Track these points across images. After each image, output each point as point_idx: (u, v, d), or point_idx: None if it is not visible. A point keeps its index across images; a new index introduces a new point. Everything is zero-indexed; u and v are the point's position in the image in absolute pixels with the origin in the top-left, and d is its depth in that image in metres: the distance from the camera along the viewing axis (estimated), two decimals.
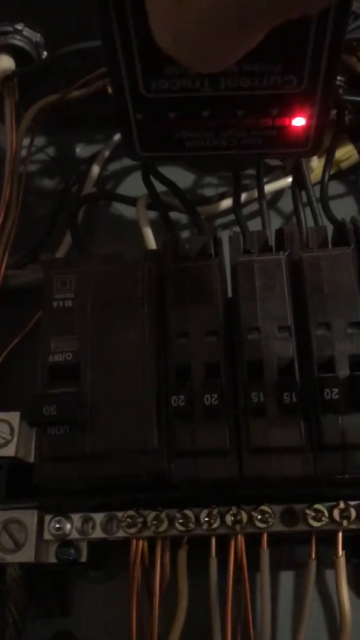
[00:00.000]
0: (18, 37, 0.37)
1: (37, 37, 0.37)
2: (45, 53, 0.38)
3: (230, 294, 0.27)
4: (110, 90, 0.36)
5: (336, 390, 0.23)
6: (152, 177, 0.33)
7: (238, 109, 0.23)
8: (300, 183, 0.32)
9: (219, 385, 0.24)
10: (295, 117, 0.24)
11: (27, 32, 0.37)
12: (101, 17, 0.20)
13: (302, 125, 0.24)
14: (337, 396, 0.23)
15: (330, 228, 0.29)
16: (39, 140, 0.41)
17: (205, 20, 0.15)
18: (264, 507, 0.25)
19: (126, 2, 0.19)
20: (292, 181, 0.33)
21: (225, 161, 0.32)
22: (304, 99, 0.23)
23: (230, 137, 0.25)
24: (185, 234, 0.37)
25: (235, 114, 0.24)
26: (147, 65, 0.22)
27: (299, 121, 0.24)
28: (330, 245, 0.28)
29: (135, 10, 0.19)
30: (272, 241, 0.29)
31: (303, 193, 0.33)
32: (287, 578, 0.30)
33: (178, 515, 0.26)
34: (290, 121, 0.24)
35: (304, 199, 0.33)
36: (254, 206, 0.37)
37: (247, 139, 0.25)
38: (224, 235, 0.29)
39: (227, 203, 0.36)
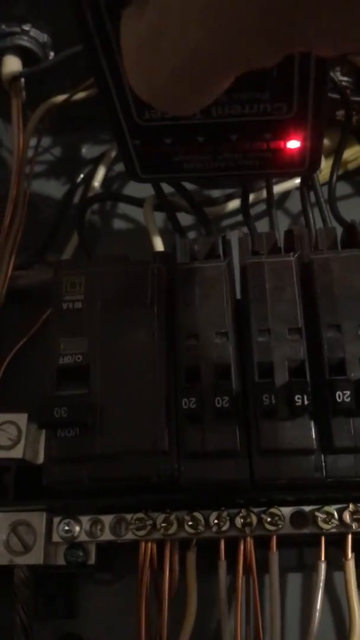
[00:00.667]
0: (25, 38, 0.37)
1: (44, 37, 0.37)
2: (52, 54, 0.38)
3: (238, 296, 0.27)
4: None
5: (348, 392, 0.22)
6: None
7: (232, 133, 0.24)
8: (308, 184, 0.32)
9: (229, 387, 0.24)
10: (289, 140, 0.24)
11: (34, 32, 0.37)
12: (90, 53, 0.21)
13: (297, 148, 0.24)
14: (348, 399, 0.22)
15: (338, 229, 0.29)
16: (46, 141, 0.41)
17: (170, 72, 0.16)
18: (274, 510, 0.25)
19: (112, 42, 0.20)
20: (300, 182, 0.33)
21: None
22: (295, 123, 0.23)
23: (227, 159, 0.25)
24: (191, 235, 0.37)
25: (229, 138, 0.24)
26: (139, 97, 0.22)
27: (293, 144, 0.24)
28: (339, 247, 0.28)
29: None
30: (280, 242, 0.29)
31: (311, 194, 0.33)
32: (295, 581, 0.29)
33: (187, 517, 0.26)
34: (285, 144, 0.24)
35: (312, 200, 0.33)
36: (261, 207, 0.37)
37: (243, 160, 0.25)
38: (232, 237, 0.29)
39: (233, 204, 0.36)
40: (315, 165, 0.26)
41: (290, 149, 0.24)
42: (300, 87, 0.22)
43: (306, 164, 0.26)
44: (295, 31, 0.14)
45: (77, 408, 0.24)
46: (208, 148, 0.25)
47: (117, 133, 0.24)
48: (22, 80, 0.36)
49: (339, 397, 0.22)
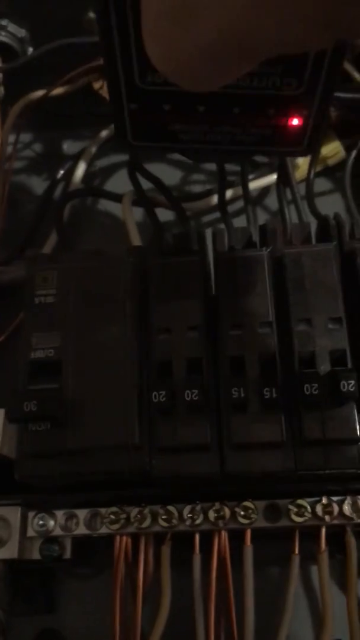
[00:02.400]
0: (3, 33, 0.36)
1: (22, 33, 0.37)
2: (30, 49, 0.38)
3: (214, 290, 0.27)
4: (95, 87, 0.36)
5: (316, 385, 0.23)
6: (138, 174, 0.33)
7: (235, 106, 0.23)
8: (284, 180, 0.32)
9: (199, 380, 0.24)
10: (292, 117, 0.23)
11: (12, 27, 0.37)
12: (99, 6, 0.20)
13: (299, 126, 0.24)
14: (317, 391, 0.23)
15: (315, 224, 0.29)
16: (26, 137, 0.41)
17: (202, 48, 0.15)
18: (247, 503, 0.25)
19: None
20: (277, 178, 0.33)
21: (219, 155, 0.31)
22: (302, 100, 0.22)
23: (225, 132, 0.24)
24: (175, 231, 0.37)
25: (231, 111, 0.23)
26: (144, 58, 0.20)
27: (295, 121, 0.24)
28: (314, 241, 0.28)
29: (135, 6, 0.18)
30: (257, 238, 0.29)
31: (288, 190, 0.33)
32: (272, 573, 0.30)
33: (161, 511, 0.26)
34: (287, 121, 0.23)
35: (291, 195, 0.33)
36: (240, 203, 0.37)
37: (242, 135, 0.24)
38: (210, 232, 0.29)
39: (214, 199, 0.36)
40: (314, 145, 0.25)
41: (292, 127, 0.24)
42: (315, 63, 0.21)
43: (305, 144, 0.25)
44: None
45: (47, 402, 0.24)
46: (208, 119, 0.24)
47: (113, 94, 0.23)
48: (0, 76, 0.36)
49: (308, 390, 0.23)
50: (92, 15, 0.35)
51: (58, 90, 0.36)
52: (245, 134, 0.24)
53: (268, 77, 0.21)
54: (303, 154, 0.26)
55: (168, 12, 0.15)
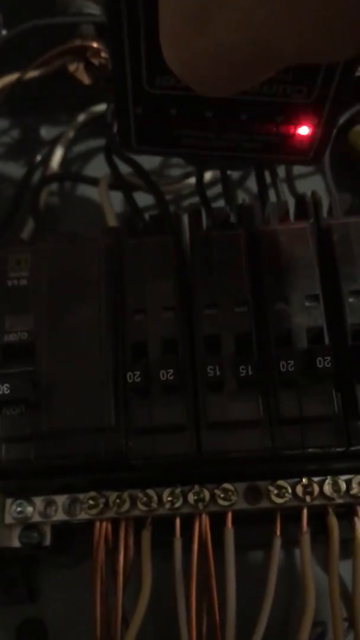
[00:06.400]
0: None
1: None
2: (4, 31, 0.37)
3: None
4: (70, 69, 0.35)
5: (292, 362, 0.22)
6: (116, 157, 0.33)
7: (243, 112, 0.23)
8: None
9: (175, 360, 0.24)
10: (300, 126, 0.23)
11: None
12: (110, 9, 0.19)
13: (306, 135, 0.23)
14: (292, 369, 0.22)
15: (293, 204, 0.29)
16: (4, 123, 0.40)
17: (220, 52, 0.14)
18: (227, 485, 0.25)
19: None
20: None
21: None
22: (311, 109, 0.22)
23: (231, 139, 0.24)
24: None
25: (239, 117, 0.23)
26: (154, 61, 0.21)
27: (303, 130, 0.23)
28: (292, 220, 0.28)
29: (147, 8, 0.19)
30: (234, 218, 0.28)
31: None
32: (255, 557, 0.29)
33: (140, 495, 0.25)
34: (295, 130, 0.23)
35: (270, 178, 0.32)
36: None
37: (248, 142, 0.24)
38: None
39: (193, 181, 0.36)
40: (320, 155, 0.24)
41: (299, 136, 0.23)
42: (327, 72, 0.21)
43: (311, 153, 0.24)
44: None
45: (21, 385, 0.23)
46: (214, 125, 0.23)
47: (119, 96, 0.22)
48: None
49: (284, 367, 0.22)
50: None
51: (32, 73, 0.35)
52: (252, 140, 0.24)
53: (278, 84, 0.21)
54: (309, 164, 0.25)
55: (188, 15, 0.14)
